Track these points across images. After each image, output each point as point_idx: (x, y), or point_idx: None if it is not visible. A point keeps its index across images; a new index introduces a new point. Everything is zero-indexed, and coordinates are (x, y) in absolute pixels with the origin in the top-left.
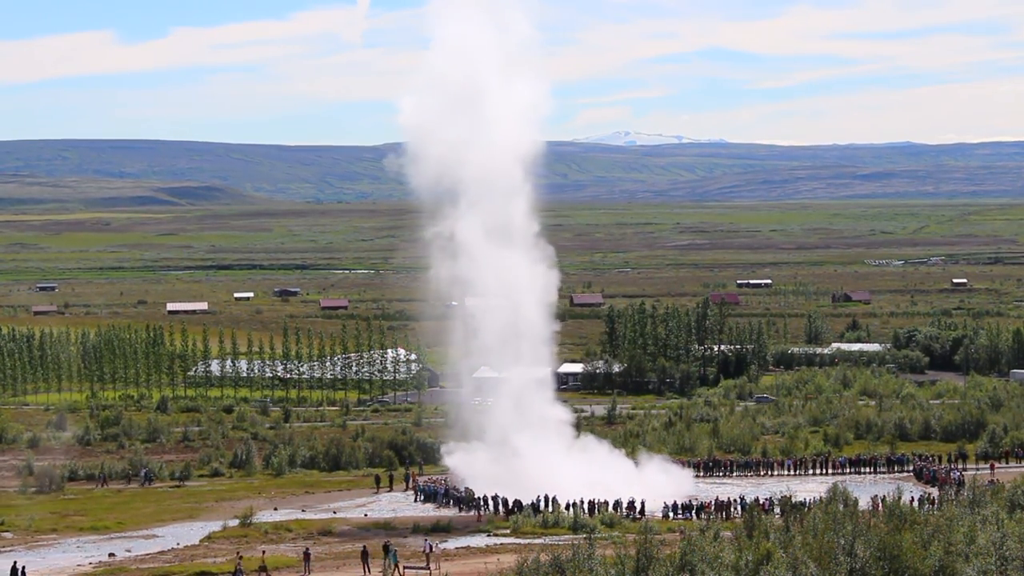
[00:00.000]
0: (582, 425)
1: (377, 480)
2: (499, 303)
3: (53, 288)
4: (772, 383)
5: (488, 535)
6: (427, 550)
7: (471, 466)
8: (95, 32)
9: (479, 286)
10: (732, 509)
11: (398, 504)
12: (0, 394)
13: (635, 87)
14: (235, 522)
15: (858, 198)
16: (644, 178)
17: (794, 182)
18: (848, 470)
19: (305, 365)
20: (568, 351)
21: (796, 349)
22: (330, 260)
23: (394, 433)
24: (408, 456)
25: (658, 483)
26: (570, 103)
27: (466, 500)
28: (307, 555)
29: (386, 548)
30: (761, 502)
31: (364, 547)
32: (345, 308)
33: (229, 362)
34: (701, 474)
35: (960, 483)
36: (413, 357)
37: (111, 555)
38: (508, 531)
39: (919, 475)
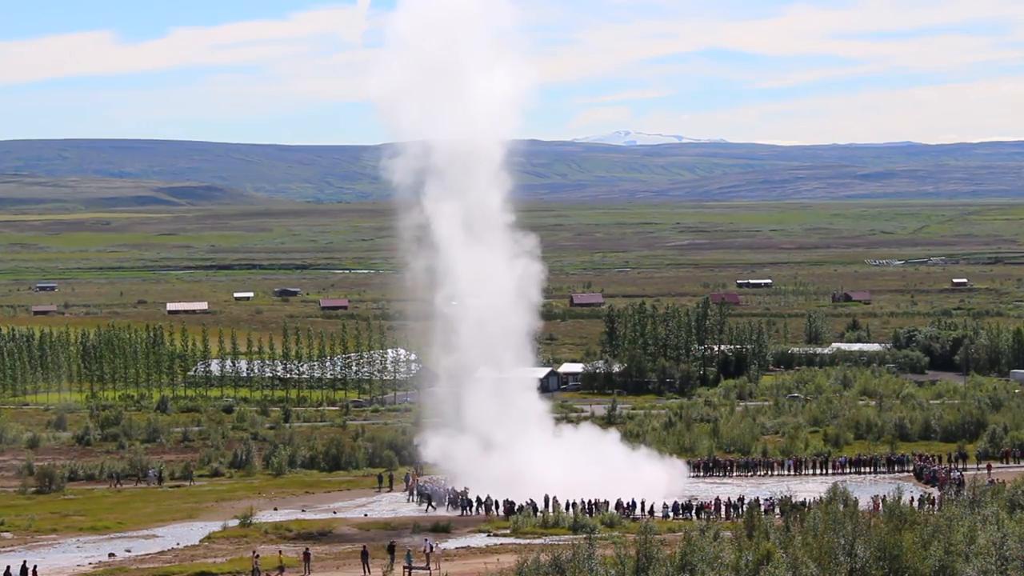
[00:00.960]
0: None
1: (380, 479)
2: (475, 300)
3: (53, 288)
4: (772, 383)
5: (488, 535)
6: (427, 550)
7: (449, 457)
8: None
9: (454, 281)
10: (733, 510)
11: (397, 504)
12: (0, 394)
13: (635, 87)
14: (235, 522)
15: (858, 198)
16: (644, 178)
17: (794, 182)
18: (848, 470)
19: (305, 365)
20: (568, 351)
21: (796, 349)
22: (330, 260)
23: (394, 433)
24: (408, 456)
25: (649, 475)
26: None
27: (454, 500)
28: (307, 555)
29: (391, 548)
30: (761, 502)
31: (364, 547)
32: (345, 308)
33: (229, 362)
34: (701, 474)
35: (960, 483)
36: (413, 357)
37: (111, 555)
38: (508, 531)
39: (919, 475)
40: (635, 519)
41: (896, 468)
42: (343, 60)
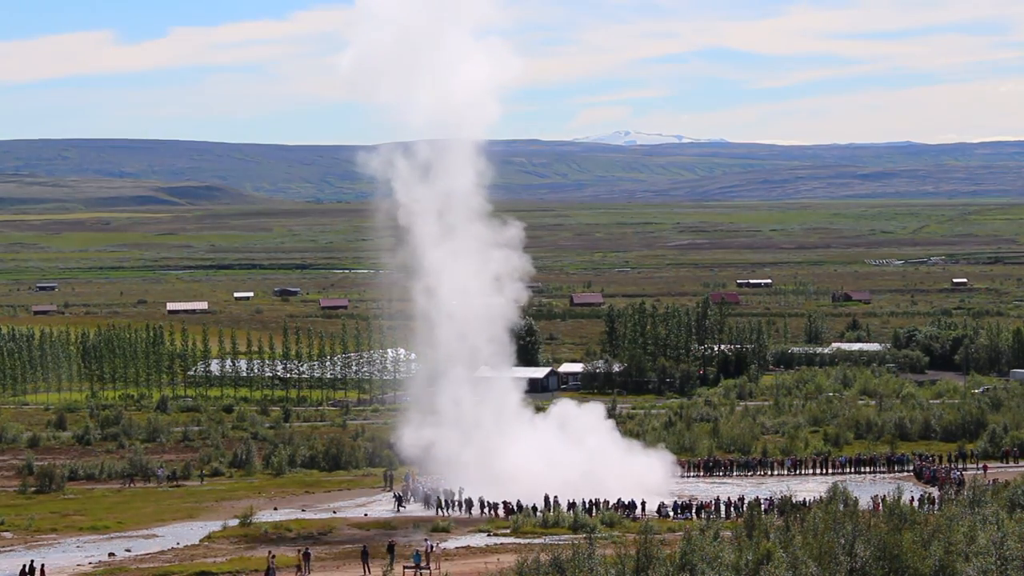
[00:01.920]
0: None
1: (386, 479)
2: (449, 294)
3: (53, 288)
4: (772, 383)
5: (488, 535)
6: (427, 550)
7: (427, 455)
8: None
9: (428, 276)
10: (733, 510)
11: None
12: (0, 394)
13: (635, 87)
14: (235, 522)
15: (858, 198)
16: (644, 178)
17: (794, 182)
18: (848, 470)
19: (305, 365)
20: (568, 351)
21: (796, 349)
22: (330, 260)
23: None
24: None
25: (637, 467)
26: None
27: (427, 498)
28: (307, 555)
29: (390, 548)
30: (761, 502)
31: (364, 547)
32: (345, 308)
33: (229, 362)
34: (701, 474)
35: (960, 483)
36: (413, 356)
37: (111, 555)
38: (508, 531)
39: (919, 475)
40: (635, 519)
41: (896, 468)
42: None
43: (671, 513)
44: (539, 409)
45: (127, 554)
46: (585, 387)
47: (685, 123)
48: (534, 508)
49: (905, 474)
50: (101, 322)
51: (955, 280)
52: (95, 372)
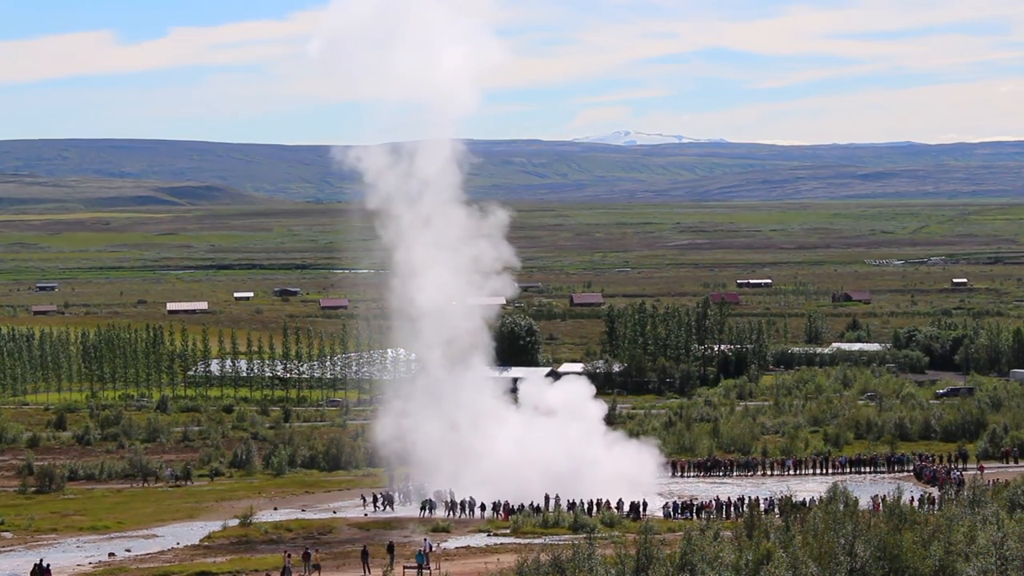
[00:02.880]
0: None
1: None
2: (422, 288)
3: (53, 288)
4: (772, 383)
5: (488, 535)
6: (427, 550)
7: (406, 445)
8: (95, 32)
9: (404, 268)
10: (734, 510)
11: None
12: (0, 394)
13: (635, 87)
14: (235, 522)
15: (858, 198)
16: (644, 178)
17: (794, 182)
18: (848, 470)
19: (305, 365)
20: (568, 351)
21: (796, 349)
22: (330, 260)
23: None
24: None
25: (621, 460)
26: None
27: (406, 498)
28: (307, 555)
29: (390, 548)
30: (761, 502)
31: (364, 547)
32: (345, 308)
33: (229, 362)
34: (701, 474)
35: (960, 483)
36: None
37: (111, 555)
38: (508, 531)
39: (919, 475)
40: (635, 519)
41: (896, 468)
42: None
43: (670, 513)
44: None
45: (127, 554)
46: None
47: (685, 123)
48: (520, 507)
49: (905, 474)
50: (101, 322)
51: (955, 280)
52: (95, 372)
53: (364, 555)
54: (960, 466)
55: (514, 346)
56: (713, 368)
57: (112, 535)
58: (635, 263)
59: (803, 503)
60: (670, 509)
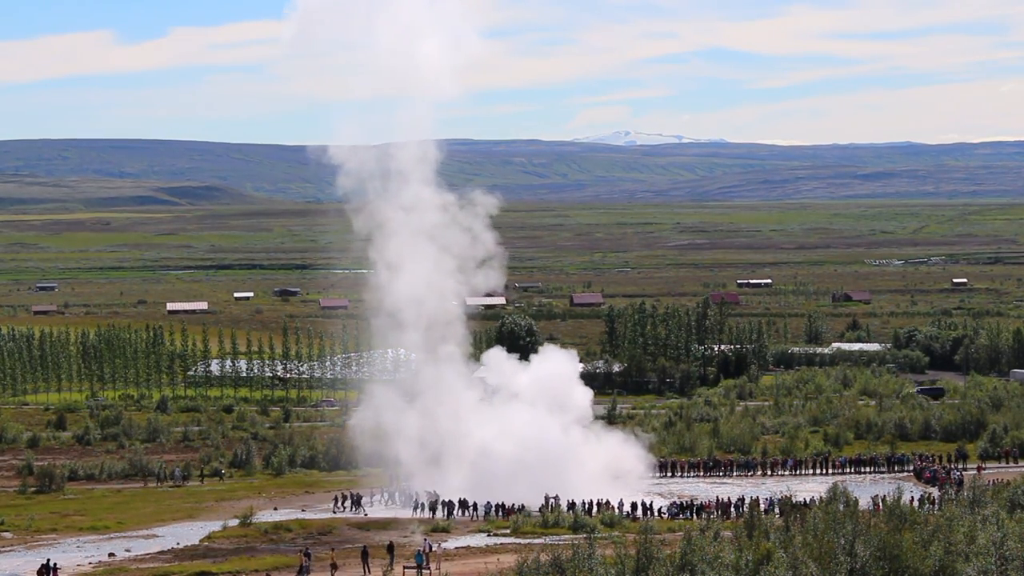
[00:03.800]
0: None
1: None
2: (394, 279)
3: (53, 288)
4: (772, 383)
5: (488, 535)
6: (427, 550)
7: (388, 445)
8: (95, 32)
9: (384, 267)
10: (734, 509)
11: (395, 504)
12: (0, 394)
13: (635, 87)
14: (235, 522)
15: (858, 198)
16: (644, 178)
17: (794, 182)
18: (848, 470)
19: (305, 365)
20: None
21: (796, 349)
22: (330, 260)
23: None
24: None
25: (602, 454)
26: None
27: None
28: (307, 555)
29: (390, 548)
30: (761, 502)
31: (364, 547)
32: (345, 308)
33: (229, 362)
34: (701, 474)
35: (960, 483)
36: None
37: (111, 555)
38: (508, 531)
39: (919, 475)
40: (635, 519)
41: (896, 468)
42: (343, 60)
43: (676, 513)
44: None
45: (127, 554)
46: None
47: (685, 123)
48: (474, 506)
49: (905, 474)
50: (101, 322)
51: (955, 280)
52: (95, 372)
53: (364, 555)
54: (960, 466)
55: (514, 346)
56: (713, 368)
57: (112, 535)
58: (635, 263)
59: (803, 503)
60: (676, 508)
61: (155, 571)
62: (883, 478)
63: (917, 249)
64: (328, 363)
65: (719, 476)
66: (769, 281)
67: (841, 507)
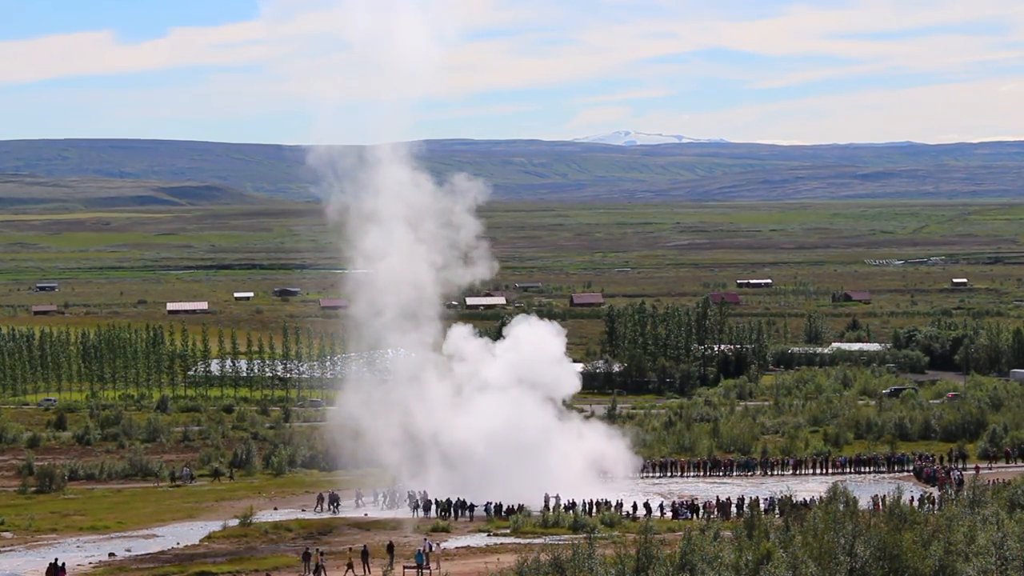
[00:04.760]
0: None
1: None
2: (384, 277)
3: (53, 288)
4: (772, 383)
5: (488, 535)
6: (427, 550)
7: (367, 444)
8: (95, 32)
9: (362, 261)
10: (734, 509)
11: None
12: (0, 394)
13: (635, 87)
14: (235, 522)
15: (858, 198)
16: (644, 178)
17: (794, 182)
18: (848, 470)
19: (305, 365)
20: (568, 351)
21: (796, 349)
22: (330, 260)
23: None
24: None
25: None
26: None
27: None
28: (307, 555)
29: (390, 548)
30: (761, 502)
31: (364, 547)
32: (345, 308)
33: (229, 362)
34: (701, 474)
35: (960, 483)
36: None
37: (111, 555)
38: (508, 531)
39: (919, 475)
40: (635, 519)
41: (896, 468)
42: (343, 60)
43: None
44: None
45: (127, 554)
46: (585, 387)
47: (685, 123)
48: (453, 505)
49: (905, 474)
50: (101, 322)
51: (955, 280)
52: (95, 372)
53: (364, 555)
54: (960, 466)
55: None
56: (713, 368)
57: (112, 535)
58: (635, 263)
59: (803, 503)
60: (679, 507)
61: (155, 571)
62: (883, 478)
63: (917, 249)
64: (328, 363)
65: (719, 476)
66: (769, 281)
67: (841, 507)
